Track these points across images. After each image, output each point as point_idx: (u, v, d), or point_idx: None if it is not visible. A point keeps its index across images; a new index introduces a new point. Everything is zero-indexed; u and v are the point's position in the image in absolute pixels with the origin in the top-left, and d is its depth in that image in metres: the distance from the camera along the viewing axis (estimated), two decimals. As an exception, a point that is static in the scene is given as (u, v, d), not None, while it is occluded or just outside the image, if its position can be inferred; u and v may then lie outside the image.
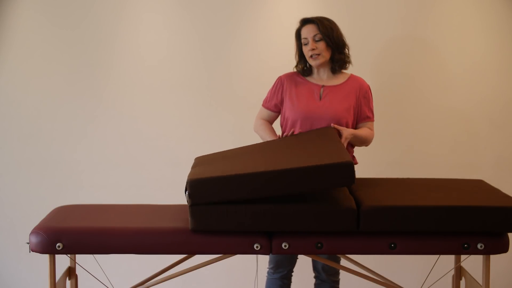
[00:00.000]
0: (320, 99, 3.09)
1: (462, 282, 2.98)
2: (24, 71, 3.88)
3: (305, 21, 3.13)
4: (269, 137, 3.16)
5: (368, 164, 3.90)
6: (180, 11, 3.87)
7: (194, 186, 2.46)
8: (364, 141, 3.14)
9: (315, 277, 3.28)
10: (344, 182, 2.47)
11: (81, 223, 2.59)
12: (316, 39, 3.07)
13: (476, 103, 3.90)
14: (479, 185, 2.88)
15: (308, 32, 3.09)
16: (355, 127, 3.15)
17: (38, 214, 3.05)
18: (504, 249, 2.55)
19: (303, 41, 3.12)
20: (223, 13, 3.86)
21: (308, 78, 3.18)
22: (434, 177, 3.08)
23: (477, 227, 2.49)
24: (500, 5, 3.84)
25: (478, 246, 2.51)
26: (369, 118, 3.16)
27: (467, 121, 3.91)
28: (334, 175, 2.45)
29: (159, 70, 3.90)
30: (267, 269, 3.25)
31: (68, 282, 2.91)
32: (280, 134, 3.12)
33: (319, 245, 2.52)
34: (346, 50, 3.16)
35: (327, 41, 3.07)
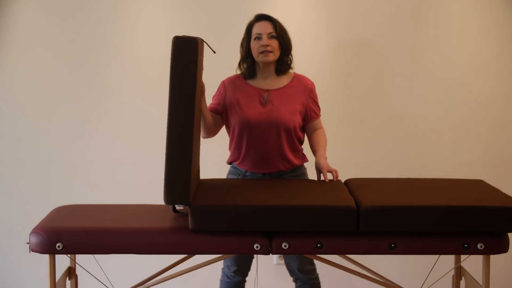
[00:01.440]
0: (265, 104, 3.03)
1: (462, 282, 2.98)
2: (24, 71, 3.89)
3: (261, 17, 3.07)
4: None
5: (368, 164, 3.90)
6: (179, 11, 3.87)
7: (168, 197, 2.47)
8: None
9: (294, 280, 3.23)
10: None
11: (81, 223, 2.58)
12: (271, 36, 3.02)
13: (476, 103, 3.90)
14: (479, 185, 2.88)
15: (264, 28, 3.03)
16: (303, 126, 3.12)
17: (38, 214, 3.05)
18: (504, 249, 2.55)
19: (255, 36, 3.04)
20: (223, 13, 3.86)
21: (251, 82, 3.10)
22: (434, 177, 3.08)
23: (477, 227, 2.49)
24: (497, 3, 3.84)
25: (478, 246, 2.51)
26: (317, 115, 3.15)
27: (467, 121, 3.91)
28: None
29: (159, 71, 3.90)
30: (225, 273, 3.22)
31: (68, 282, 2.91)
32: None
33: (319, 245, 2.52)
34: (291, 56, 3.11)
35: (280, 41, 3.03)
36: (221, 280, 3.26)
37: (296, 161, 3.10)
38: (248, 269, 3.24)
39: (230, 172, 3.18)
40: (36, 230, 2.52)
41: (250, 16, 3.09)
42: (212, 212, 2.48)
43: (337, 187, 2.83)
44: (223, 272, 3.24)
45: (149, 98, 3.90)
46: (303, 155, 3.17)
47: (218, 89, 3.15)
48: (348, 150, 3.91)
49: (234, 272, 3.18)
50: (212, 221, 2.48)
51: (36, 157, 3.92)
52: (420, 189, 2.75)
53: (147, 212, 2.76)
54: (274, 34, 3.02)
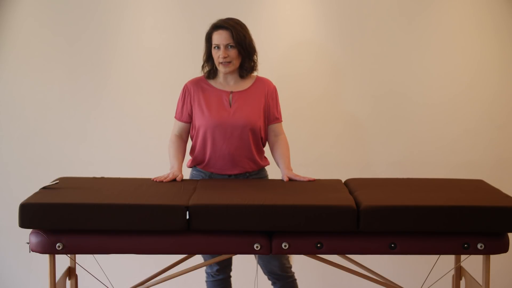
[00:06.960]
0: (230, 106, 3.03)
1: (462, 282, 2.98)
2: (25, 72, 3.89)
3: (217, 26, 3.02)
4: (173, 162, 3.08)
5: (368, 164, 3.90)
6: (180, 11, 3.87)
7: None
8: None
9: (273, 283, 3.19)
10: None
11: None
12: (229, 46, 2.98)
13: (476, 103, 3.90)
14: (479, 185, 2.88)
15: (221, 38, 2.98)
16: (266, 128, 3.11)
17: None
18: (504, 249, 2.55)
19: (214, 45, 3.01)
20: (224, 14, 3.85)
21: (215, 84, 3.08)
22: (434, 177, 3.07)
23: (477, 227, 2.49)
24: (497, 3, 3.85)
25: (478, 246, 2.51)
26: (278, 119, 3.12)
27: (467, 121, 3.91)
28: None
29: (160, 71, 3.90)
30: (209, 274, 3.21)
31: (68, 282, 2.91)
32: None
33: (319, 245, 2.52)
34: (255, 56, 3.08)
35: (239, 49, 2.99)
36: (206, 281, 3.26)
37: (261, 162, 3.11)
38: (230, 265, 3.24)
39: (192, 176, 3.16)
40: (36, 230, 2.52)
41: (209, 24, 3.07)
42: (212, 212, 2.48)
43: (337, 187, 2.83)
44: (207, 273, 3.24)
45: (150, 98, 3.90)
46: (265, 157, 3.17)
47: (181, 94, 3.11)
48: (348, 150, 3.91)
49: (217, 270, 3.19)
50: (211, 221, 2.48)
51: (36, 157, 3.92)
52: (420, 189, 2.76)
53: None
54: (232, 43, 2.98)
